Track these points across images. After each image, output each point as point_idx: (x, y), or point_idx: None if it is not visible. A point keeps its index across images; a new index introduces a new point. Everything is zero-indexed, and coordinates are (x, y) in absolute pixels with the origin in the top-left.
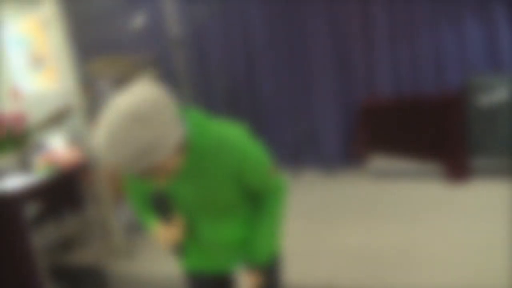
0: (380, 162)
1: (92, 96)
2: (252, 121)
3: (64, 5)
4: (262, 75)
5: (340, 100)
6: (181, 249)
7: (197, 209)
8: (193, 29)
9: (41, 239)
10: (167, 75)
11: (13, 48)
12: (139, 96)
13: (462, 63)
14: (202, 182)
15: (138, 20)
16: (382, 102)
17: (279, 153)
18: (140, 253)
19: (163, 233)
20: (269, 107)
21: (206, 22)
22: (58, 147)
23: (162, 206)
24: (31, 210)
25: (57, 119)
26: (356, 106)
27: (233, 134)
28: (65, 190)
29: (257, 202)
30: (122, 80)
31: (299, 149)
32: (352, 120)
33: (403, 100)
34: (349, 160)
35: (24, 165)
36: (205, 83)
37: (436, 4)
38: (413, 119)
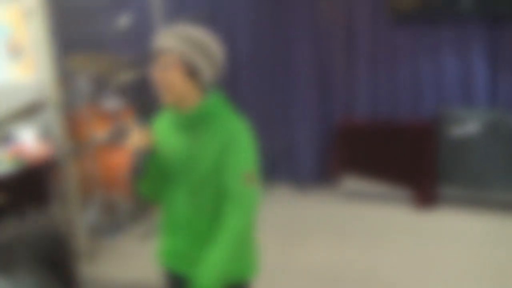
0: (352, 182)
1: (68, 92)
2: None
3: None
4: (243, 84)
5: (318, 118)
6: (146, 157)
7: (179, 171)
8: None
9: None
10: (148, 78)
11: None
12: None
13: (438, 94)
14: (194, 143)
15: (124, 20)
16: (358, 123)
17: None
18: (103, 258)
19: (137, 134)
20: (248, 117)
21: None
22: (27, 141)
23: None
24: None
25: (28, 112)
26: (333, 126)
27: (240, 122)
28: (30, 187)
29: (223, 211)
30: (100, 78)
31: (274, 163)
32: (328, 139)
33: (379, 124)
34: (322, 178)
35: None
36: None
37: (417, 34)
38: (387, 143)
